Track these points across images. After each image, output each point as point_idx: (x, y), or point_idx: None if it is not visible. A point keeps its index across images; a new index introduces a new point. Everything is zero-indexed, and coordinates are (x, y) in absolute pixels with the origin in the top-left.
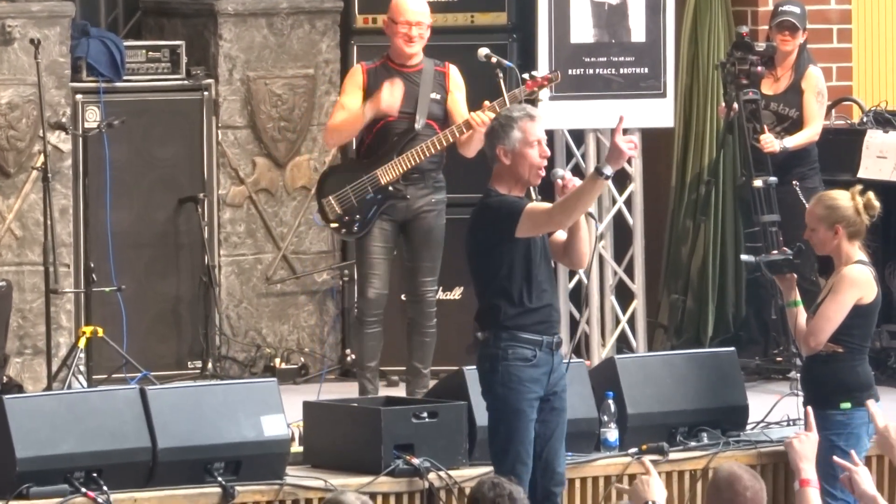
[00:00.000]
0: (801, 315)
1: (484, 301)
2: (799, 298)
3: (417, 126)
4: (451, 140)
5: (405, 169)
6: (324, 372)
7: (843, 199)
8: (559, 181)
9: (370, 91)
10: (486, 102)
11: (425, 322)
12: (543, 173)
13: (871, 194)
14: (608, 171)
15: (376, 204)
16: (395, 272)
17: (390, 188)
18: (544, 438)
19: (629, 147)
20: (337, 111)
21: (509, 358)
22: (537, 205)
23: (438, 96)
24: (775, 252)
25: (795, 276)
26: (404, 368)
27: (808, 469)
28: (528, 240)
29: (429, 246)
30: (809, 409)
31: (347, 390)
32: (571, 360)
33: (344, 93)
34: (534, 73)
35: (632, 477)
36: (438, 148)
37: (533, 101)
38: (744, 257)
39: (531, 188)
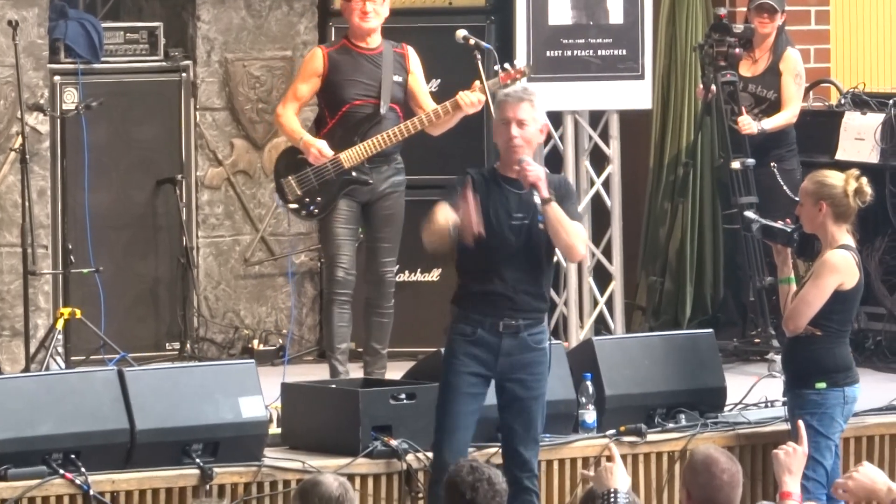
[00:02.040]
0: (793, 292)
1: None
2: (793, 276)
3: (382, 111)
4: (434, 122)
5: (371, 154)
6: (286, 354)
7: (834, 178)
8: (516, 167)
9: (332, 76)
10: (477, 83)
11: (384, 302)
12: (521, 160)
13: (864, 180)
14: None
15: (338, 187)
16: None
17: (353, 173)
18: (507, 425)
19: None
20: (289, 103)
21: (452, 331)
22: (437, 210)
23: (400, 78)
24: (780, 222)
25: (789, 250)
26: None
27: (790, 482)
28: (492, 222)
29: (390, 227)
30: (801, 423)
31: (325, 372)
32: (551, 343)
33: (300, 78)
34: (506, 65)
35: (599, 462)
36: (412, 132)
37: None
38: (747, 213)
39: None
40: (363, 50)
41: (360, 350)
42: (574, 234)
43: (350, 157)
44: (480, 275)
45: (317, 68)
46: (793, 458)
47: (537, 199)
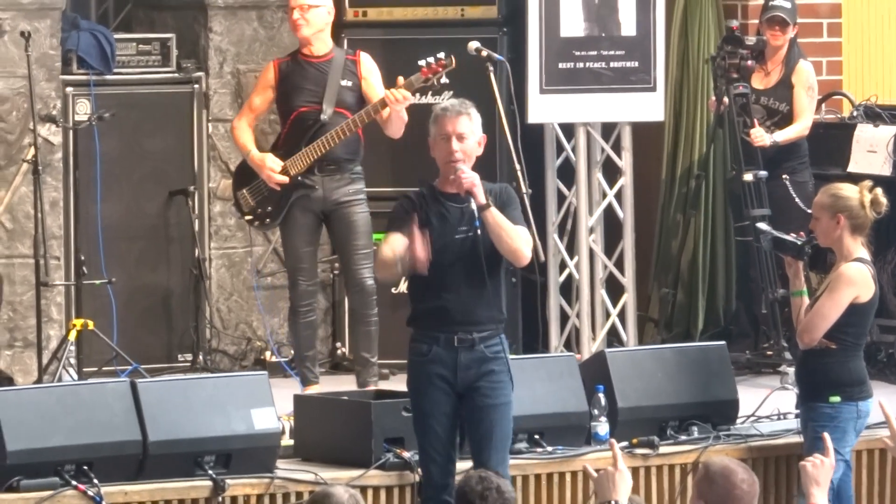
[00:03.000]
0: (805, 306)
1: None
2: (805, 288)
3: (324, 116)
4: (366, 121)
5: (314, 158)
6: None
7: (849, 190)
8: (452, 176)
9: (282, 86)
10: (400, 79)
11: (367, 311)
12: (457, 169)
13: (879, 191)
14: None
15: (287, 194)
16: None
17: (299, 178)
18: (472, 435)
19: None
20: (244, 115)
21: (410, 352)
22: (385, 243)
23: (350, 83)
24: (792, 235)
25: (801, 263)
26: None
27: (818, 494)
28: (436, 238)
29: (354, 235)
30: (827, 435)
31: (338, 383)
32: (561, 354)
33: (255, 91)
34: (429, 59)
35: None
36: (350, 132)
37: (431, 87)
38: (760, 224)
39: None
40: (310, 58)
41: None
42: (516, 237)
43: (294, 163)
44: (431, 292)
45: (269, 80)
46: (820, 470)
47: (474, 206)
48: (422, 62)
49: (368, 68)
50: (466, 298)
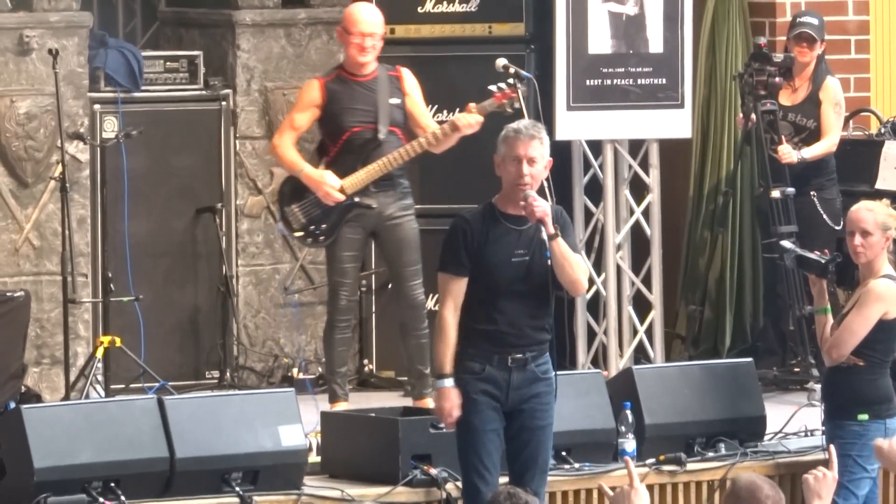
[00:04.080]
0: (829, 323)
1: None
2: (829, 306)
3: (380, 135)
4: (434, 144)
5: (372, 179)
6: (309, 384)
7: (887, 208)
8: (522, 202)
9: (330, 106)
10: (472, 105)
11: (419, 325)
12: (527, 195)
13: None
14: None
15: (342, 212)
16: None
17: (356, 198)
18: (514, 454)
19: (535, 209)
20: (286, 132)
21: (460, 371)
22: (445, 281)
23: (398, 101)
24: (816, 252)
25: (825, 281)
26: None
27: None
28: (490, 263)
29: (407, 251)
30: (833, 448)
31: (364, 401)
32: (588, 371)
33: (297, 108)
34: (500, 84)
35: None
36: (415, 154)
37: (517, 112)
38: (783, 242)
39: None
40: (357, 78)
41: (401, 379)
42: (578, 267)
43: (353, 183)
44: (484, 313)
45: (314, 99)
46: (822, 484)
47: (544, 236)
48: (493, 87)
49: (411, 84)
50: (520, 321)
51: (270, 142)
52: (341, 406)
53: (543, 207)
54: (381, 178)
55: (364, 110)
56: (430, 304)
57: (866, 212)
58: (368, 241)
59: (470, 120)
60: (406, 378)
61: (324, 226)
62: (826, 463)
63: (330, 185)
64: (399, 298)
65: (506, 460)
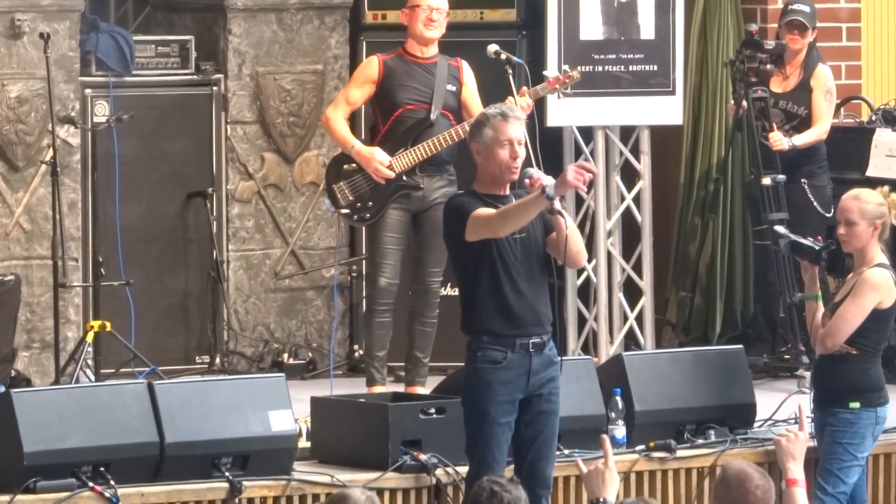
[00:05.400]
0: (820, 310)
1: (461, 302)
2: (819, 293)
3: (433, 116)
4: None
5: (420, 159)
6: (332, 367)
7: (879, 196)
8: (527, 180)
9: (386, 82)
10: (525, 88)
11: (428, 312)
12: (516, 174)
13: None
14: (552, 192)
15: (390, 192)
16: (405, 267)
17: (404, 177)
18: (529, 440)
19: (578, 180)
20: (339, 106)
21: (478, 360)
22: (482, 211)
23: (454, 88)
24: (810, 239)
25: (817, 268)
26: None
27: (794, 469)
28: (496, 241)
29: (439, 236)
30: (801, 405)
31: (355, 386)
32: (579, 357)
33: (353, 83)
34: (555, 71)
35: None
36: (462, 136)
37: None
38: (777, 228)
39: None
40: (418, 59)
41: (397, 364)
42: (578, 239)
43: (400, 162)
44: (495, 296)
45: (371, 74)
46: (795, 444)
47: (557, 206)
48: (547, 73)
49: (468, 76)
50: (530, 299)
51: (323, 113)
52: (378, 390)
53: (544, 182)
54: (430, 162)
55: (419, 90)
56: (444, 291)
57: (851, 200)
58: (412, 224)
59: (522, 104)
60: (400, 364)
61: (370, 204)
62: (819, 455)
63: (380, 160)
64: (414, 282)
65: (513, 448)
